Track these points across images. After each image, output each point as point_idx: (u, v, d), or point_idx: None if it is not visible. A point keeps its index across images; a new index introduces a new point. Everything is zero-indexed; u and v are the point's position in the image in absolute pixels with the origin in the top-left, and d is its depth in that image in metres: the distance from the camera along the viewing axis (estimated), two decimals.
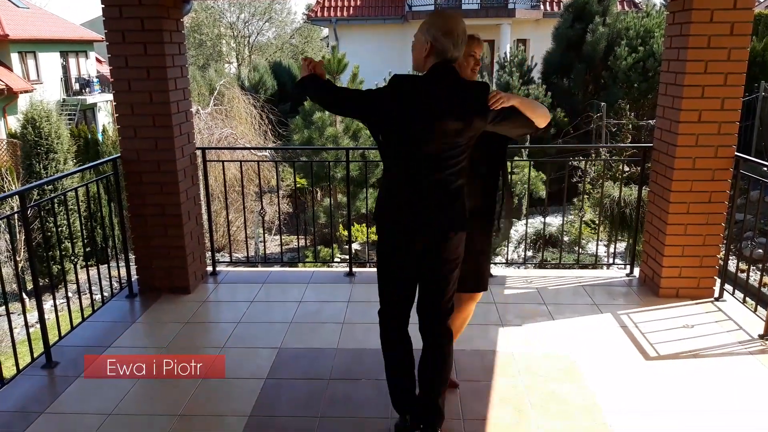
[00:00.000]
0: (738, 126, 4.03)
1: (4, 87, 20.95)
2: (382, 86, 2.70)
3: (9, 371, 3.52)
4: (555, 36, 15.09)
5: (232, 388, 3.30)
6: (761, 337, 3.71)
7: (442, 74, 2.48)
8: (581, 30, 14.30)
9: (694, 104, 3.96)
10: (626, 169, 10.38)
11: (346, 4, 21.18)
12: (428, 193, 2.52)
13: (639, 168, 5.04)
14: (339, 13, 21.05)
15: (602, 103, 12.81)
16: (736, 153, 4.04)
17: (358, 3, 21.18)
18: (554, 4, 20.14)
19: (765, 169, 3.86)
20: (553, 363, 3.49)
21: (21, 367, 3.49)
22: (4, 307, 3.41)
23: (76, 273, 4.40)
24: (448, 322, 2.71)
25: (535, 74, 15.03)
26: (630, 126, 12.62)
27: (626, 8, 18.65)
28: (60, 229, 10.29)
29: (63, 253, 10.12)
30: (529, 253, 10.96)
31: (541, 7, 20.52)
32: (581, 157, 10.26)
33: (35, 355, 3.56)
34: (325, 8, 21.22)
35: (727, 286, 4.33)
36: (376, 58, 18.97)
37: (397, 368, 2.80)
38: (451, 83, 2.49)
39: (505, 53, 15.89)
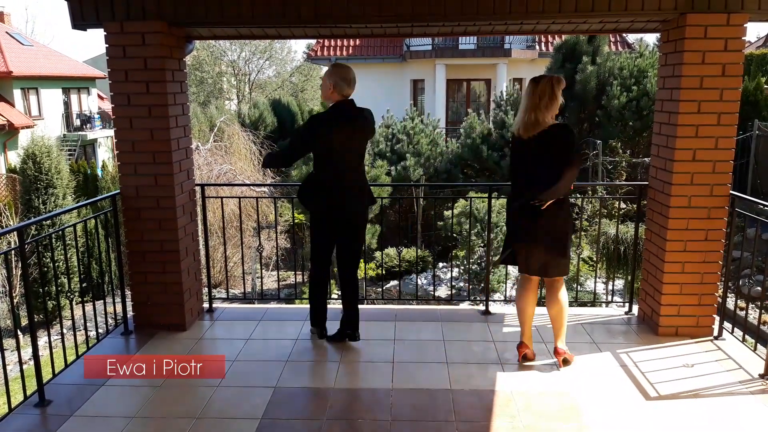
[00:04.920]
0: (732, 164, 4.08)
1: (5, 122, 21.15)
2: (308, 124, 3.90)
3: (0, 410, 3.47)
4: None
5: (228, 428, 3.24)
6: (761, 376, 3.68)
7: (345, 105, 3.90)
8: (572, 70, 14.55)
9: (688, 143, 4.01)
10: (622, 206, 10.43)
11: (345, 43, 21.56)
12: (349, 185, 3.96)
13: (635, 205, 5.07)
14: (338, 53, 21.39)
15: (598, 141, 12.94)
16: (731, 191, 4.08)
17: (358, 43, 21.55)
18: (549, 44, 20.52)
19: (761, 206, 3.88)
20: (553, 402, 3.45)
21: (13, 406, 3.43)
22: None
23: (71, 309, 4.37)
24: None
25: None
26: (624, 163, 12.73)
27: (620, 48, 19.01)
28: (56, 264, 10.25)
29: (59, 288, 10.05)
30: None
31: (536, 47, 20.92)
32: (578, 194, 10.31)
33: (28, 393, 3.51)
34: (325, 47, 21.59)
35: (727, 324, 4.31)
36: (375, 96, 19.20)
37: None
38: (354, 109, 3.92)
39: (502, 92, 16.14)
